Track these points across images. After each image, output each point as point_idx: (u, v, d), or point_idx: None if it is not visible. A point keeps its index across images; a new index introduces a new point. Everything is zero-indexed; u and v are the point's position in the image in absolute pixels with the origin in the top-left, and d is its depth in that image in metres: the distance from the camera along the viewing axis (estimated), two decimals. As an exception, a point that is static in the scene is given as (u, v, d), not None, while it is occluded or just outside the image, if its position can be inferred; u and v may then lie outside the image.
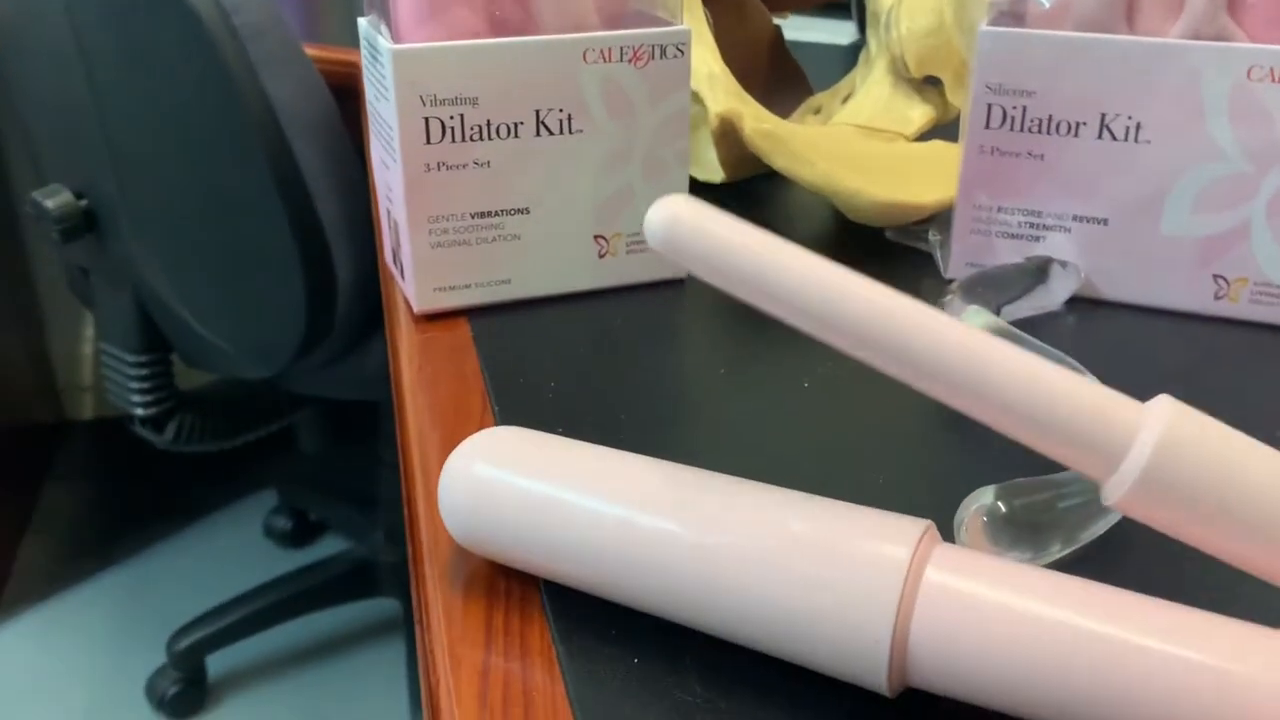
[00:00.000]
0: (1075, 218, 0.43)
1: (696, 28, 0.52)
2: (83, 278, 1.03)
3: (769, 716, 0.24)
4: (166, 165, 0.85)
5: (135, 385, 1.00)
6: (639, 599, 0.25)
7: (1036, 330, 0.41)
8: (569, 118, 0.41)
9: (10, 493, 1.50)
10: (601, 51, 0.40)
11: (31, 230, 1.53)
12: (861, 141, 0.53)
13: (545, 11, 0.40)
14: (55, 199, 0.91)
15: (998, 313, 0.39)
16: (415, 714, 1.20)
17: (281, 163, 0.80)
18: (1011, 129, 0.42)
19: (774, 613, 0.23)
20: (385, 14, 0.39)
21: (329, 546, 1.50)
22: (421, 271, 0.42)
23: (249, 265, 0.87)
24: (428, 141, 0.40)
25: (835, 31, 0.91)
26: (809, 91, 0.65)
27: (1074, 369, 0.34)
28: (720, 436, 0.35)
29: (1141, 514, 0.21)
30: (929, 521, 0.24)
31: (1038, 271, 0.42)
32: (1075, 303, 0.44)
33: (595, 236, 0.44)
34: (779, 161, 0.46)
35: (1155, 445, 0.20)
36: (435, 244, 0.41)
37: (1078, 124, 0.41)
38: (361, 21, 0.42)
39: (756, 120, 0.47)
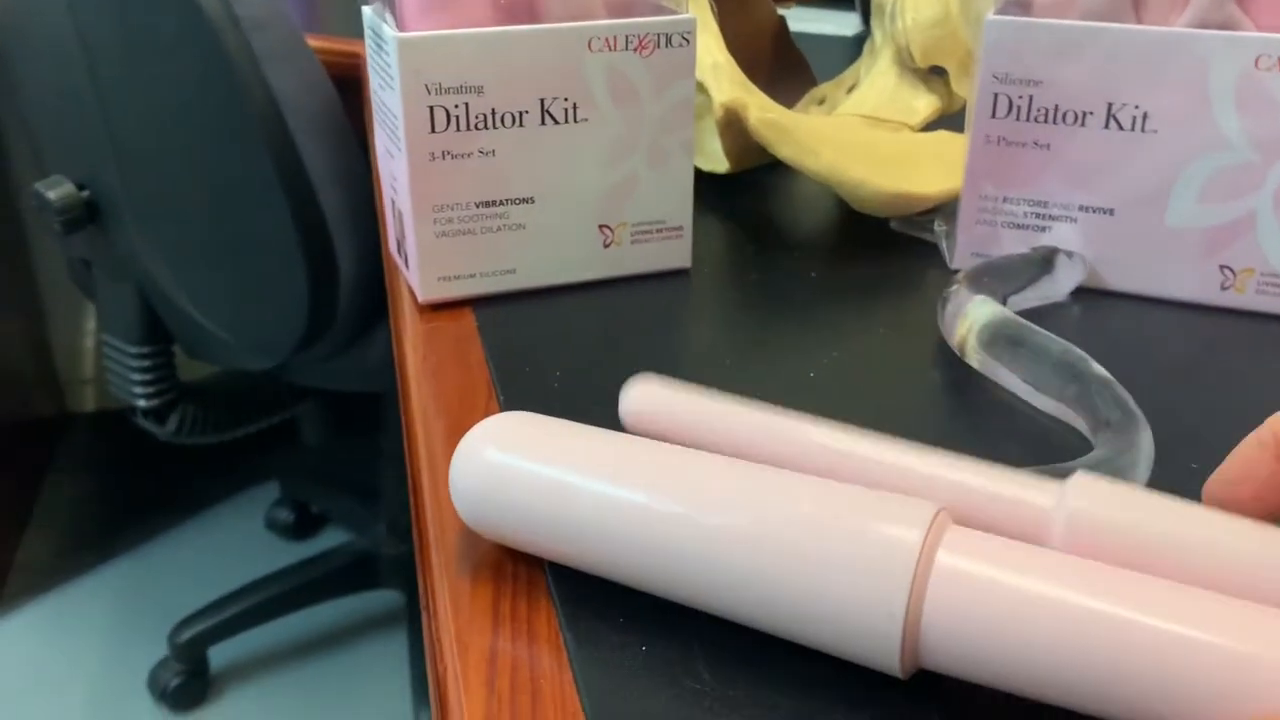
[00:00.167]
0: (1081, 208, 0.43)
1: (701, 17, 0.52)
2: (84, 269, 1.03)
3: (779, 702, 0.24)
4: (168, 157, 0.85)
5: (137, 377, 1.00)
6: (651, 581, 0.26)
7: (1042, 321, 0.41)
8: (574, 106, 0.41)
9: (12, 485, 1.50)
10: (606, 40, 0.40)
11: (33, 222, 1.53)
12: (867, 132, 0.53)
13: None
14: (57, 190, 0.91)
15: (1003, 303, 0.39)
16: (418, 706, 1.20)
17: (283, 154, 0.79)
18: (1018, 119, 0.42)
19: (786, 594, 0.23)
20: (390, 2, 0.39)
21: (331, 539, 1.50)
22: (426, 261, 0.42)
23: (251, 257, 0.87)
24: (433, 130, 0.40)
25: (839, 23, 0.91)
26: (813, 82, 0.64)
27: (1079, 360, 0.34)
28: (726, 426, 0.34)
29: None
30: (940, 504, 0.24)
31: (1043, 262, 0.42)
32: (1081, 293, 0.43)
33: (600, 226, 0.44)
34: (784, 151, 0.46)
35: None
36: (440, 233, 0.41)
37: (1084, 113, 0.41)
38: (366, 10, 0.42)
39: (761, 110, 0.47)
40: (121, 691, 1.27)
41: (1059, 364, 0.34)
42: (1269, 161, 0.39)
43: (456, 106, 0.39)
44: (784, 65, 0.64)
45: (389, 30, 0.39)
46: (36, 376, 1.61)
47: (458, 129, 0.40)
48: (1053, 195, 0.43)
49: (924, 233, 0.49)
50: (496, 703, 0.24)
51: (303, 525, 1.51)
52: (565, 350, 0.39)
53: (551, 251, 0.43)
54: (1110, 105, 0.41)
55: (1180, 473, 0.32)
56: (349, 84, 0.87)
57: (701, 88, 0.50)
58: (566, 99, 0.41)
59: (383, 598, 1.38)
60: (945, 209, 0.49)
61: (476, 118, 0.40)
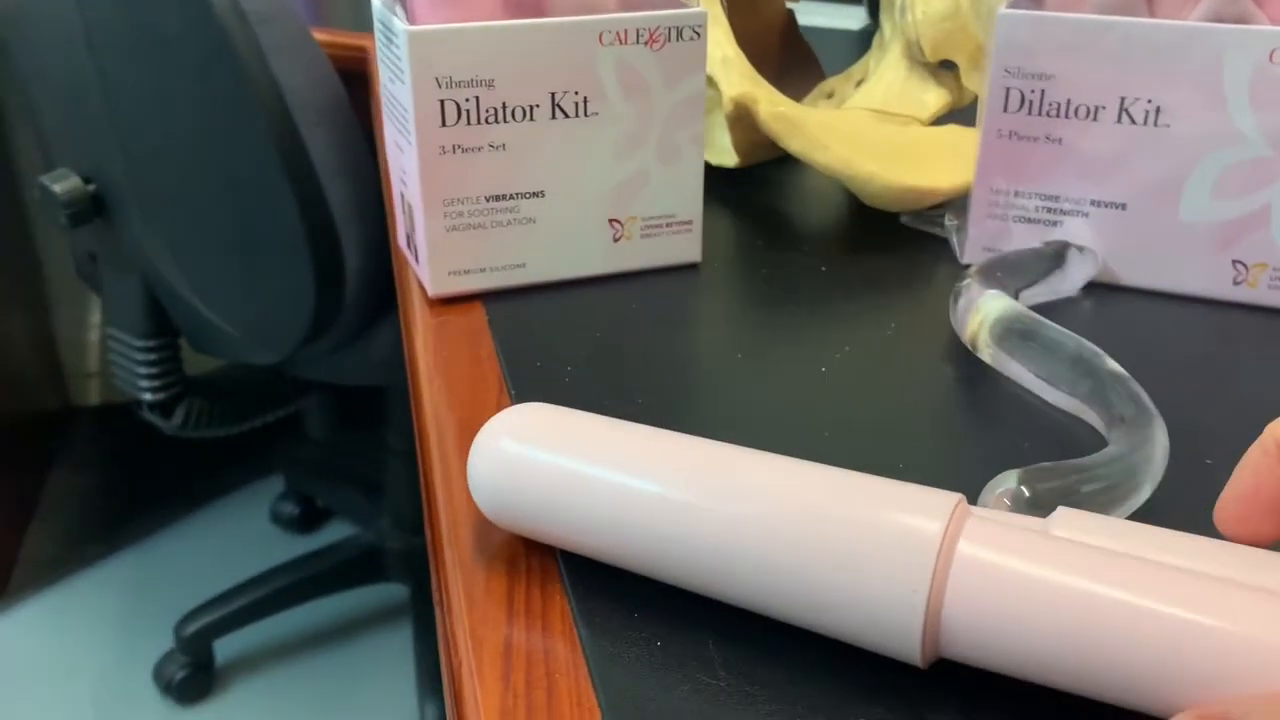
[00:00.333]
0: (1093, 202, 0.42)
1: (711, 11, 0.51)
2: (90, 263, 1.03)
3: (795, 696, 0.24)
4: (175, 150, 0.84)
5: (143, 370, 1.00)
6: (671, 572, 0.26)
7: (1054, 315, 0.41)
8: (584, 100, 0.41)
9: (17, 479, 1.51)
10: (618, 33, 0.40)
11: (39, 215, 1.53)
12: (876, 126, 0.53)
13: (561, -7, 0.40)
14: (63, 183, 0.91)
15: (1015, 298, 0.39)
16: (423, 699, 1.20)
17: (290, 148, 0.79)
18: (1030, 113, 0.42)
19: (806, 584, 0.23)
20: (401, -5, 0.39)
21: (336, 532, 1.50)
22: (436, 255, 0.41)
23: (257, 250, 0.87)
24: (443, 124, 0.39)
25: (846, 16, 0.91)
26: (821, 76, 0.64)
27: (1093, 355, 0.34)
28: (737, 421, 0.34)
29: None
30: (960, 495, 0.24)
31: (1055, 256, 0.42)
32: (1093, 288, 0.43)
33: (610, 220, 0.43)
34: (794, 145, 0.46)
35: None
36: (450, 227, 0.41)
37: (1096, 108, 0.41)
38: (376, 3, 0.42)
39: (771, 103, 0.47)
40: (127, 684, 1.27)
41: (1073, 359, 0.34)
42: (1283, 156, 0.39)
43: (467, 100, 0.39)
44: (792, 59, 0.64)
45: (399, 24, 0.38)
46: (42, 370, 1.61)
47: (468, 123, 0.40)
48: (1065, 190, 0.43)
49: (934, 227, 0.48)
50: (512, 697, 0.24)
51: (308, 519, 1.51)
52: (575, 344, 0.39)
53: (561, 246, 0.43)
54: (1123, 99, 0.40)
55: (1195, 468, 0.32)
56: (355, 78, 0.86)
57: (711, 82, 0.50)
58: (577, 93, 0.41)
59: (388, 591, 1.38)
60: (956, 204, 0.49)
61: (487, 111, 0.40)
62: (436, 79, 0.39)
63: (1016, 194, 0.43)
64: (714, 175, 0.55)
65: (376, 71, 0.71)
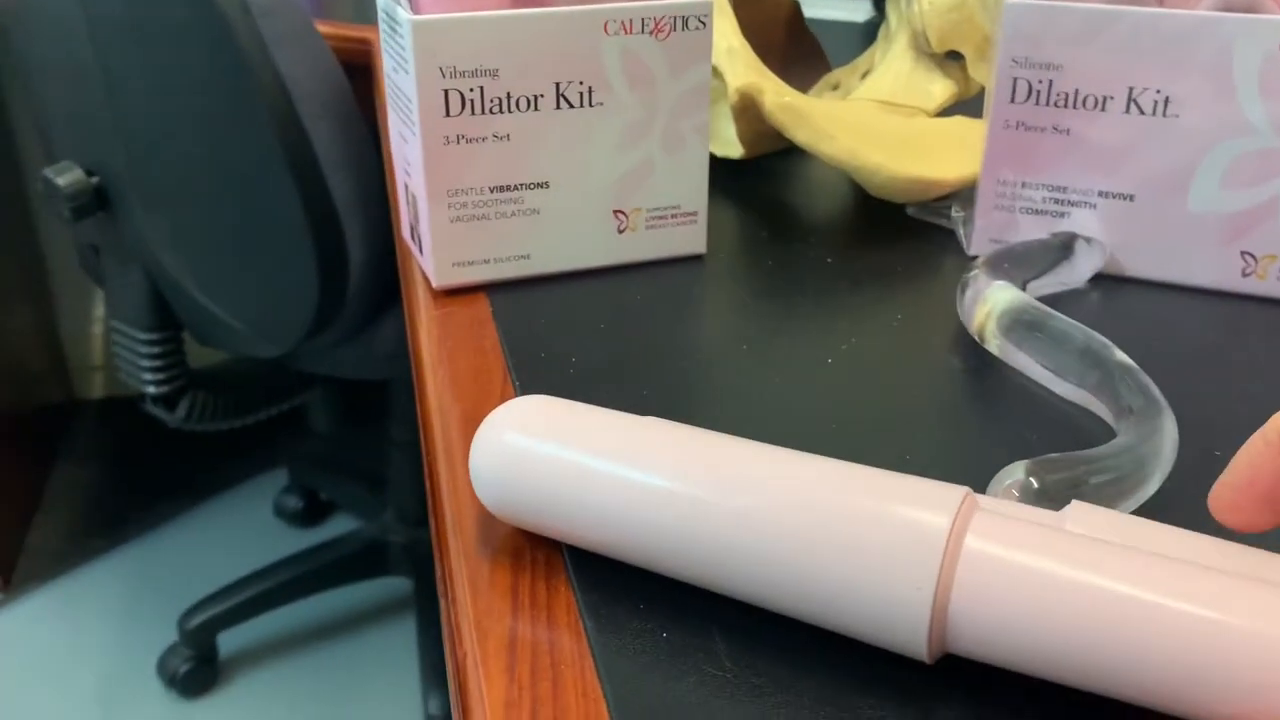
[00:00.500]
0: (1101, 193, 0.42)
1: (716, 1, 0.51)
2: (93, 255, 1.03)
3: (802, 688, 0.24)
4: (178, 143, 0.84)
5: (146, 363, 1.00)
6: (675, 566, 0.25)
7: (1061, 307, 0.41)
8: (589, 90, 0.41)
9: (21, 472, 1.51)
10: (623, 23, 0.40)
11: (42, 208, 1.53)
12: (883, 117, 0.53)
13: (566, -18, 0.40)
14: (66, 176, 0.91)
15: (1023, 289, 0.39)
16: (427, 692, 1.20)
17: (293, 140, 0.79)
18: (1037, 103, 0.42)
19: (812, 579, 0.23)
20: (405, -16, 0.39)
21: (339, 526, 1.50)
22: (440, 246, 0.41)
23: (261, 243, 0.87)
24: (447, 114, 0.39)
25: (851, 9, 0.90)
26: (827, 67, 0.64)
27: (1101, 346, 0.34)
28: (743, 413, 0.34)
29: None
30: (967, 488, 0.23)
31: (1062, 248, 0.42)
32: (1100, 279, 0.43)
33: (615, 211, 0.43)
34: (800, 136, 0.46)
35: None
36: (454, 218, 0.41)
37: (1105, 98, 0.41)
38: (380, -8, 0.42)
39: (777, 94, 0.47)
40: (131, 677, 1.27)
41: (1081, 350, 0.34)
42: (1292, 146, 0.39)
43: (471, 90, 0.39)
44: (798, 50, 0.63)
45: (404, 13, 0.38)
46: (46, 363, 1.61)
47: (472, 113, 0.40)
48: (1072, 181, 0.42)
49: (940, 219, 0.48)
50: (517, 689, 0.24)
51: (311, 512, 1.51)
52: (580, 336, 0.39)
53: (566, 237, 0.43)
54: (1131, 89, 0.40)
55: (1203, 459, 0.32)
56: (358, 70, 0.86)
57: (716, 72, 0.50)
58: (582, 83, 0.40)
59: (391, 584, 1.38)
60: (962, 195, 0.49)
61: (491, 101, 0.40)
62: (441, 69, 0.38)
63: (1024, 185, 0.43)
64: (719, 166, 0.54)
65: (379, 64, 0.71)
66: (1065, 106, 0.41)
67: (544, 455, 0.26)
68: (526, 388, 0.36)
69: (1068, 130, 0.42)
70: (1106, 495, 0.28)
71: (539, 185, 0.42)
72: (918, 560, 0.22)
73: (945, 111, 0.57)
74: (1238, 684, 0.20)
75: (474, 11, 0.39)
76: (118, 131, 0.87)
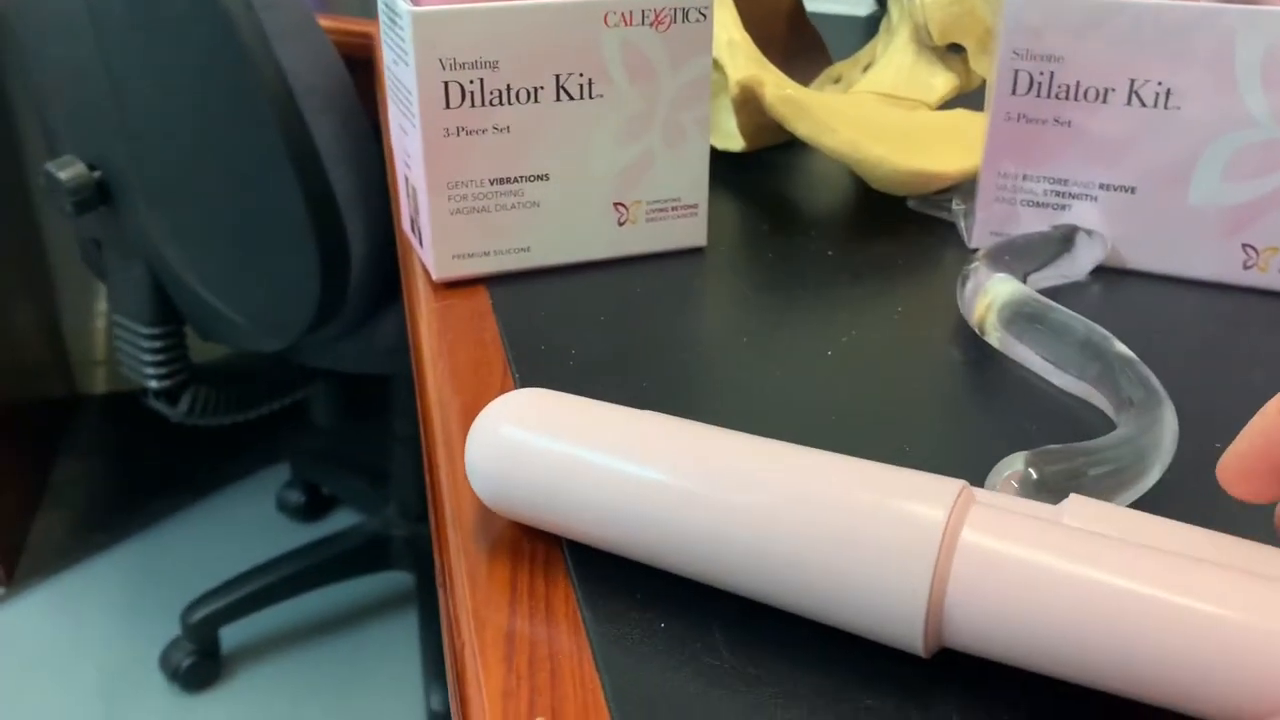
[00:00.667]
0: (1102, 186, 0.42)
1: (717, -6, 0.51)
2: (95, 250, 1.03)
3: (799, 679, 0.24)
4: (180, 137, 0.84)
5: (149, 358, 1.00)
6: (671, 560, 0.25)
7: (1062, 299, 0.41)
8: (589, 82, 0.41)
9: (23, 467, 1.51)
10: (623, 14, 0.40)
11: (44, 202, 1.53)
12: (884, 110, 0.53)
13: (566, -26, 0.40)
14: (68, 170, 0.91)
15: (1023, 281, 0.39)
16: (429, 686, 1.20)
17: (295, 134, 0.79)
18: (1038, 95, 0.42)
19: (808, 574, 0.23)
20: (404, -24, 0.39)
21: (342, 520, 1.50)
22: (440, 238, 0.41)
23: (262, 237, 0.87)
24: (447, 106, 0.39)
25: (853, 2, 0.90)
26: (828, 61, 0.64)
27: (1102, 338, 0.34)
28: (743, 405, 0.34)
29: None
30: (963, 482, 0.23)
31: (1063, 240, 0.42)
32: (1101, 272, 0.43)
33: (615, 204, 0.43)
34: (801, 128, 0.46)
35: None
36: (454, 210, 0.41)
37: (1106, 90, 0.41)
38: (380, -16, 0.42)
39: (778, 87, 0.47)
40: (134, 671, 1.27)
41: (1081, 342, 0.34)
42: (1294, 138, 0.38)
43: (471, 82, 0.39)
44: (799, 43, 0.63)
45: (403, 5, 0.38)
46: (48, 358, 1.61)
47: (472, 105, 0.39)
48: (1073, 173, 0.42)
49: (941, 211, 0.48)
50: (514, 678, 0.24)
51: (313, 507, 1.52)
52: (580, 328, 0.39)
53: (566, 229, 0.43)
54: (1133, 81, 0.40)
55: (1204, 451, 0.32)
56: (360, 64, 0.86)
57: (717, 65, 0.50)
58: (582, 75, 0.40)
59: (393, 579, 1.38)
60: (963, 187, 0.48)
61: (491, 93, 0.40)
62: (440, 61, 0.38)
63: (1025, 177, 0.43)
64: (720, 159, 0.54)
65: (380, 57, 0.71)
66: (1066, 99, 0.41)
67: (539, 449, 0.26)
68: (526, 380, 0.36)
69: (1069, 122, 0.42)
70: (1106, 487, 0.28)
71: (539, 178, 0.42)
72: (914, 554, 0.22)
73: (947, 104, 0.57)
74: (1233, 678, 0.19)
75: (474, 3, 0.38)
76: (120, 126, 0.87)
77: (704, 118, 0.43)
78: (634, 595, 0.26)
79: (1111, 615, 0.20)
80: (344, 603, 1.37)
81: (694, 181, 0.44)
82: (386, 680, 1.27)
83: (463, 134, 0.40)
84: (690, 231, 0.45)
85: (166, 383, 1.02)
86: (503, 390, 0.35)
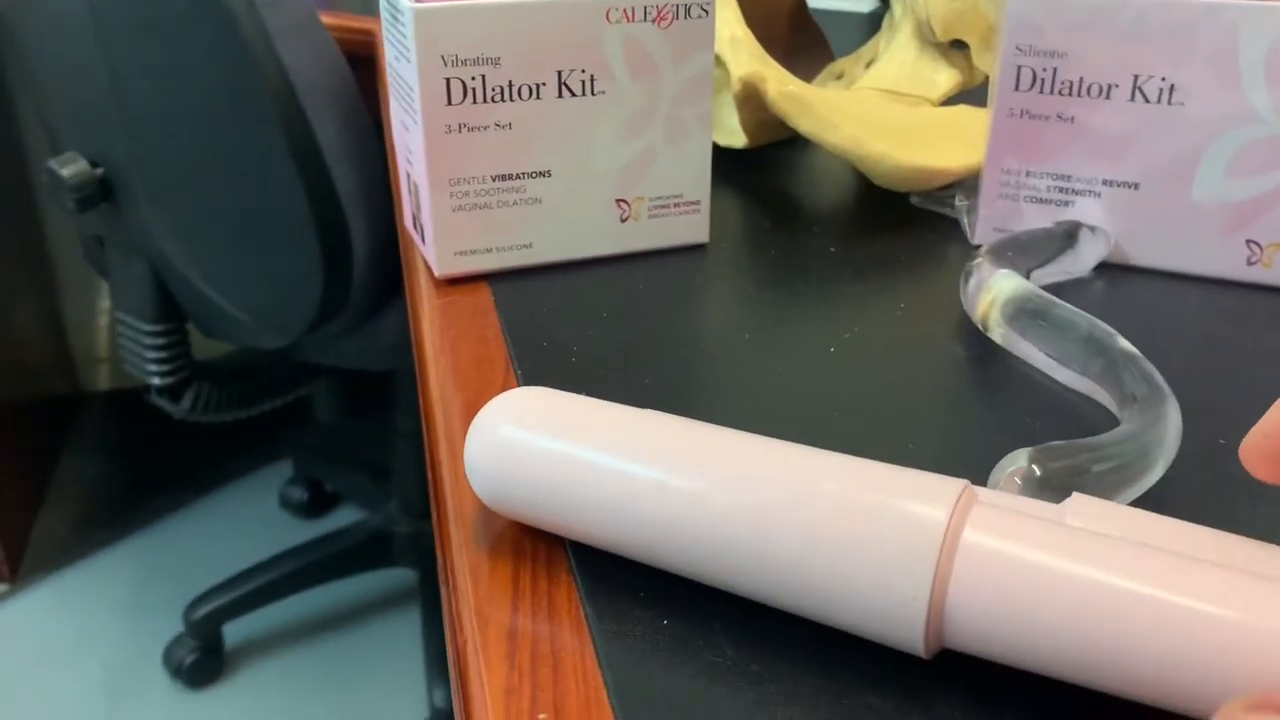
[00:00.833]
0: (1105, 182, 0.42)
1: (719, -10, 0.51)
2: (98, 247, 1.03)
3: (801, 678, 0.24)
4: (182, 134, 0.84)
5: (151, 355, 1.00)
6: (670, 561, 0.25)
7: (1065, 296, 0.41)
8: (591, 79, 0.41)
9: (27, 464, 1.51)
10: (625, 11, 0.40)
11: (47, 200, 1.53)
12: (886, 106, 0.53)
13: (568, -30, 0.40)
14: (70, 167, 0.91)
15: (1027, 277, 0.39)
16: (432, 683, 1.20)
17: (297, 131, 0.79)
18: (1041, 91, 0.42)
19: (809, 575, 0.23)
20: (406, -28, 0.39)
21: (344, 517, 1.51)
22: (442, 235, 0.41)
23: (264, 234, 0.87)
24: (449, 102, 0.39)
25: (855, -1, 0.90)
26: (830, 57, 0.64)
27: (1105, 334, 0.34)
28: (745, 402, 0.34)
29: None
30: (965, 481, 0.23)
31: (1066, 236, 0.42)
32: (1104, 268, 0.43)
33: (617, 200, 0.43)
34: (804, 125, 0.46)
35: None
36: (456, 207, 0.41)
37: (1109, 86, 0.41)
38: (381, -19, 0.42)
39: (780, 83, 0.47)
40: (137, 668, 1.28)
41: (1084, 338, 0.34)
42: (1298, 134, 0.38)
43: (473, 78, 0.39)
44: (801, 40, 0.63)
45: (405, 1, 0.38)
46: (51, 355, 1.61)
47: (474, 101, 0.39)
48: (1076, 169, 0.42)
49: (944, 208, 0.48)
50: (517, 675, 0.24)
51: (316, 503, 1.52)
52: (582, 325, 0.39)
53: (568, 226, 0.43)
54: (1136, 77, 0.40)
55: (1208, 447, 0.31)
56: (362, 61, 0.86)
57: (719, 61, 0.50)
58: (584, 71, 0.40)
59: (396, 575, 1.38)
60: (966, 184, 0.48)
61: (493, 90, 0.40)
62: (442, 57, 0.38)
63: (1028, 174, 0.43)
64: (722, 156, 0.54)
65: (382, 54, 0.71)
66: (1069, 95, 0.41)
67: (538, 449, 0.26)
68: (528, 377, 0.36)
69: (1072, 118, 0.42)
70: (1109, 483, 0.28)
71: (541, 174, 0.42)
72: (915, 555, 0.22)
73: (950, 101, 0.57)
74: (1234, 678, 0.19)
75: (476, 0, 0.38)
76: (122, 123, 0.87)
77: (706, 114, 0.43)
78: (636, 592, 0.26)
79: (1113, 616, 0.20)
80: (347, 599, 1.37)
81: (696, 178, 0.44)
82: (389, 677, 1.27)
83: (465, 130, 0.40)
84: (692, 228, 0.45)
85: (169, 380, 1.02)
86: (505, 387, 0.35)
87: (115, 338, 1.08)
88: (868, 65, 0.59)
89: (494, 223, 0.42)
